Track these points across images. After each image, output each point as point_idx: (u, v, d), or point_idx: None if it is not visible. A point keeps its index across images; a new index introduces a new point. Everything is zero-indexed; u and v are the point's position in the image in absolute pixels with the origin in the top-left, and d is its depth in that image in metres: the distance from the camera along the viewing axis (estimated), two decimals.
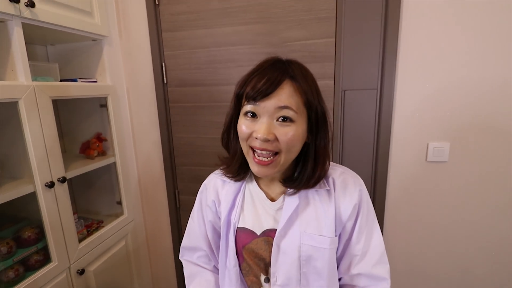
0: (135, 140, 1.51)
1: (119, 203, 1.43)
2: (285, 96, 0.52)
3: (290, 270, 0.61)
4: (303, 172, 0.59)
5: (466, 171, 1.16)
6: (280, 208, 0.62)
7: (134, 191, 1.52)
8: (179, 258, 0.80)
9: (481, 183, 1.15)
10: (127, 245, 1.44)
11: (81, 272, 1.15)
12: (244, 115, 0.56)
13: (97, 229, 1.30)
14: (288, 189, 0.61)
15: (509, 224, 1.16)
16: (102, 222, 1.36)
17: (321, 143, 0.58)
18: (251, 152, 0.57)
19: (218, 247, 0.73)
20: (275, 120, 0.53)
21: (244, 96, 0.54)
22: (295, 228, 0.60)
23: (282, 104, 0.52)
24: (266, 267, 0.64)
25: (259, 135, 0.53)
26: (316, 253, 0.59)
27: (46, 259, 1.05)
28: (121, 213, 1.42)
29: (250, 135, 0.55)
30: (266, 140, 0.53)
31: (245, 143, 0.57)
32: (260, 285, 0.65)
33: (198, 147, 1.43)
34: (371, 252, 0.61)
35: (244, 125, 0.56)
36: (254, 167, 0.57)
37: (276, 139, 0.53)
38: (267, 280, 0.64)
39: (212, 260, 0.76)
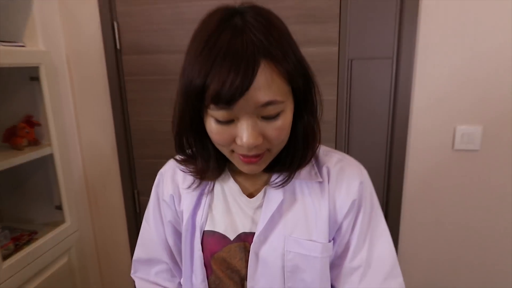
0: (79, 125, 1.38)
1: (59, 207, 1.29)
2: (265, 86, 0.45)
3: (272, 284, 0.57)
4: (292, 151, 0.55)
5: (502, 162, 1.08)
6: (260, 206, 0.58)
7: (79, 191, 1.41)
8: (131, 275, 0.72)
9: None
10: (71, 261, 1.32)
11: None
12: (215, 120, 0.49)
13: (28, 242, 1.18)
14: (273, 175, 0.57)
15: None
16: (36, 233, 1.24)
17: (309, 113, 0.54)
18: (235, 153, 0.53)
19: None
20: (258, 118, 0.48)
21: (209, 96, 0.46)
22: (278, 231, 0.57)
23: (265, 101, 0.45)
24: (241, 281, 0.59)
25: (244, 143, 0.48)
26: (305, 262, 0.56)
27: None
28: (62, 221, 1.29)
29: (231, 142, 0.50)
30: (254, 146, 0.49)
31: (226, 149, 0.53)
32: None
33: (162, 133, 1.29)
34: (378, 263, 0.57)
35: (218, 133, 0.50)
36: (243, 167, 0.53)
37: (265, 137, 0.50)
38: None
39: (177, 275, 0.70)
